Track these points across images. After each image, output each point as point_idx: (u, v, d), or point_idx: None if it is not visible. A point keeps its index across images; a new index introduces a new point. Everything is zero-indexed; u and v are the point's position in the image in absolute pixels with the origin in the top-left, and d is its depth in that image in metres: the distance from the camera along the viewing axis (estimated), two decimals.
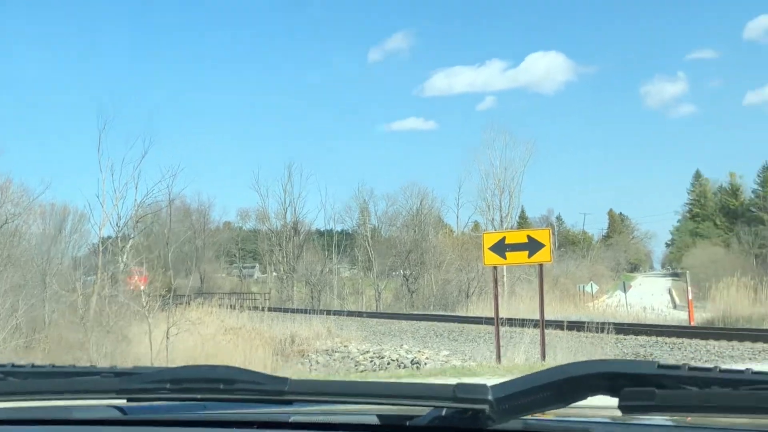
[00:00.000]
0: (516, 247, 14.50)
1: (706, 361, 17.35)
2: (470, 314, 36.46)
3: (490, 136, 61.28)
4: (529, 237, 14.62)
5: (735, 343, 20.00)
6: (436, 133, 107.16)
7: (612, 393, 1.25)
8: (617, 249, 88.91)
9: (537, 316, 15.02)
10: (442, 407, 1.38)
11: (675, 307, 47.92)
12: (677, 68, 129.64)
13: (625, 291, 44.04)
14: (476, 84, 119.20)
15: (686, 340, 21.13)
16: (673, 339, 21.62)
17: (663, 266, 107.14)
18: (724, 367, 1.24)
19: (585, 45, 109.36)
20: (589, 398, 1.32)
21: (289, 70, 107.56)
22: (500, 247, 14.55)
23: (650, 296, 50.26)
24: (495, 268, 15.68)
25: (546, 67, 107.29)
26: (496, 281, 16.28)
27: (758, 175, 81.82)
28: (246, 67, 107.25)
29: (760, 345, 19.27)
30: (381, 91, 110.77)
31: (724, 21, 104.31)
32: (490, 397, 1.29)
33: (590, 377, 1.26)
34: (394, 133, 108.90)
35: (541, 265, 14.88)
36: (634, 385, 1.23)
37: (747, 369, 1.23)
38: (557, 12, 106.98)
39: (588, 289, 46.67)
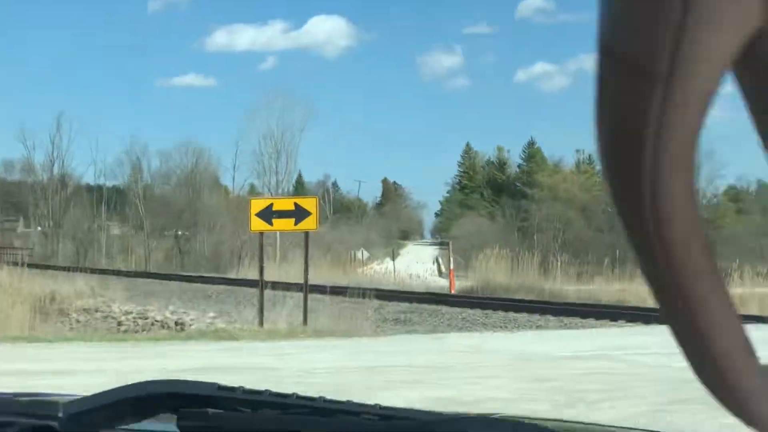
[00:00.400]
0: (283, 214, 14.69)
1: (461, 328, 18.25)
2: (241, 277, 36.43)
3: (268, 98, 61.15)
4: (296, 204, 14.82)
5: (489, 311, 20.91)
6: (215, 92, 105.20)
7: (173, 412, 1.32)
8: (390, 217, 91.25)
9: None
10: (13, 423, 1.37)
11: (441, 275, 49.60)
12: (454, 41, 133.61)
13: (393, 258, 45.43)
14: (258, 43, 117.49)
15: (444, 308, 21.93)
16: (433, 306, 22.44)
17: (433, 235, 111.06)
18: (273, 390, 1.33)
19: (366, 10, 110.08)
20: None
21: (62, 14, 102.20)
22: (267, 214, 14.68)
23: (416, 264, 51.92)
24: (261, 233, 15.90)
25: (328, 31, 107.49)
26: (261, 247, 16.46)
27: (524, 151, 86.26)
28: (13, 7, 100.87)
29: (511, 314, 20.33)
30: (160, 44, 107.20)
31: None
32: (60, 415, 1.31)
33: (157, 396, 1.33)
34: (173, 88, 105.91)
35: (307, 233, 15.20)
36: (195, 405, 1.31)
37: (292, 393, 1.32)
38: None
39: (359, 255, 47.78)
